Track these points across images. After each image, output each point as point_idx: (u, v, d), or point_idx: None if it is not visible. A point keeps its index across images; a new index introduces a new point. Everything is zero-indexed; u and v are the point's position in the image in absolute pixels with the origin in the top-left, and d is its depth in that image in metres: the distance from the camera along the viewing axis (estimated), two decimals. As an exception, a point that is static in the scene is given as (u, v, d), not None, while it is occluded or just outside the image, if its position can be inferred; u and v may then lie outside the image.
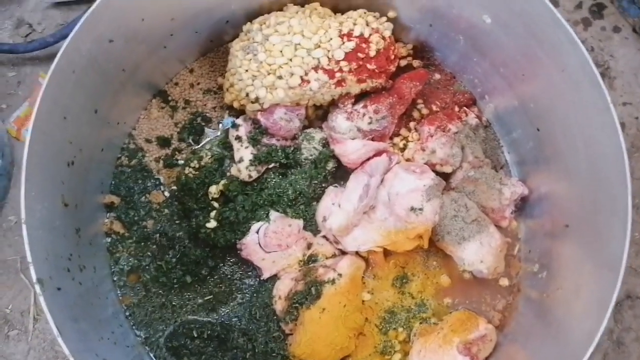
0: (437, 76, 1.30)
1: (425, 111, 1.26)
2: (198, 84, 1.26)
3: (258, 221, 1.14)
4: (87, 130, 1.03)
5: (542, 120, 1.10)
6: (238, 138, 1.16)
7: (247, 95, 1.14)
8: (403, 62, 1.27)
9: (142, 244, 1.17)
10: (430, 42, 1.27)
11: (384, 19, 1.18)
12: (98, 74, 1.01)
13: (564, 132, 1.04)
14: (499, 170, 1.25)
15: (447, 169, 1.20)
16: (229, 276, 1.18)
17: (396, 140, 1.24)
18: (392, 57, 1.18)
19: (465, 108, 1.27)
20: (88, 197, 1.09)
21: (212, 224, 1.13)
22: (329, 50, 1.12)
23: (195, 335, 1.11)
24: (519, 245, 1.21)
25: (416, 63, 1.29)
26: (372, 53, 1.13)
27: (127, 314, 1.15)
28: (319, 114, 1.24)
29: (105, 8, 0.94)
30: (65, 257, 0.96)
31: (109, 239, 1.17)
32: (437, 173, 1.18)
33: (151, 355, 1.13)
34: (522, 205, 1.22)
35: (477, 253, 1.14)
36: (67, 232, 0.99)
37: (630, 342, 1.28)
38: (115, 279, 1.16)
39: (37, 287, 0.84)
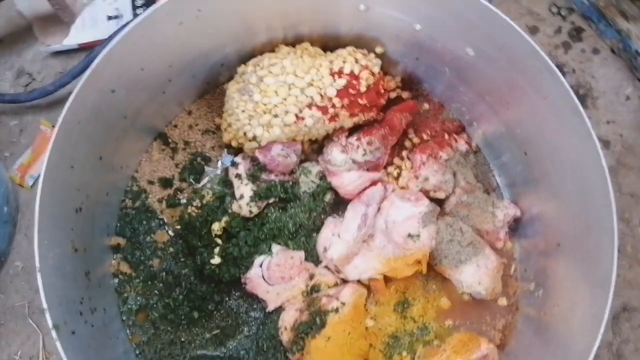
0: (426, 106, 1.35)
1: (416, 140, 1.31)
2: (197, 125, 1.31)
3: (261, 255, 1.17)
4: (92, 176, 1.07)
5: (529, 144, 1.15)
6: (238, 176, 1.20)
7: (245, 134, 1.19)
8: (393, 94, 1.32)
9: (149, 282, 1.20)
10: (417, 74, 1.32)
11: (373, 55, 1.23)
12: (101, 123, 1.05)
13: (551, 156, 1.08)
14: (490, 194, 1.29)
15: (441, 195, 1.24)
16: (235, 310, 1.21)
17: (390, 169, 1.28)
18: (382, 91, 1.23)
19: (454, 135, 1.32)
20: (95, 241, 1.13)
21: (216, 260, 1.17)
22: (321, 88, 1.17)
23: (206, 371, 1.14)
24: (514, 265, 1.25)
25: (405, 94, 1.34)
26: (363, 89, 1.18)
27: (137, 352, 1.17)
28: (315, 148, 1.28)
29: (108, 60, 0.99)
30: (77, 301, 0.99)
31: (116, 280, 1.20)
32: (431, 199, 1.22)
33: (163, 393, 1.16)
34: (515, 226, 1.26)
35: (475, 275, 1.18)
36: (78, 277, 1.02)
37: (630, 354, 1.31)
38: (124, 318, 1.18)
39: (54, 333, 0.87)
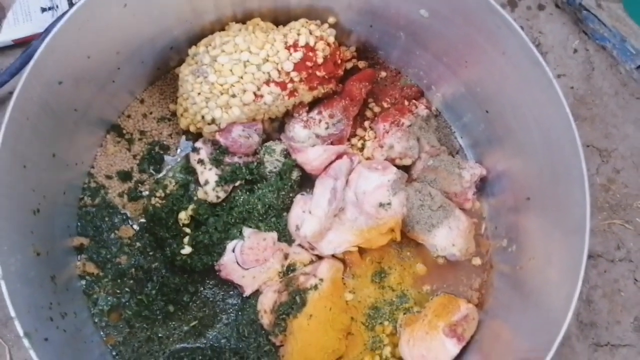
0: (383, 74, 1.33)
1: (377, 109, 1.29)
2: (151, 113, 1.26)
3: (232, 240, 1.14)
4: (47, 175, 1.01)
5: (490, 102, 1.16)
6: (200, 161, 1.16)
7: (203, 117, 1.15)
8: (349, 65, 1.30)
9: (119, 281, 1.16)
10: (372, 42, 1.30)
11: (326, 25, 1.21)
12: (51, 118, 0.99)
13: (513, 112, 1.09)
14: (455, 156, 1.29)
15: (407, 162, 1.24)
16: (211, 299, 1.18)
17: (354, 141, 1.27)
18: (339, 61, 1.21)
19: (414, 101, 1.31)
20: (57, 243, 1.07)
21: (186, 250, 1.13)
22: (277, 63, 1.13)
23: (187, 364, 1.11)
24: (484, 224, 1.26)
25: (362, 64, 1.32)
26: (320, 60, 1.16)
27: (114, 353, 1.13)
28: (276, 126, 1.25)
29: (51, 51, 0.93)
30: (45, 306, 0.94)
31: (84, 282, 1.15)
32: (398, 167, 1.22)
33: (145, 390, 1.12)
34: (482, 186, 1.27)
35: (448, 237, 1.19)
36: (43, 281, 0.97)
37: (599, 299, 1.35)
38: (96, 320, 1.14)
39: (26, 341, 0.83)
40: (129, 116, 1.25)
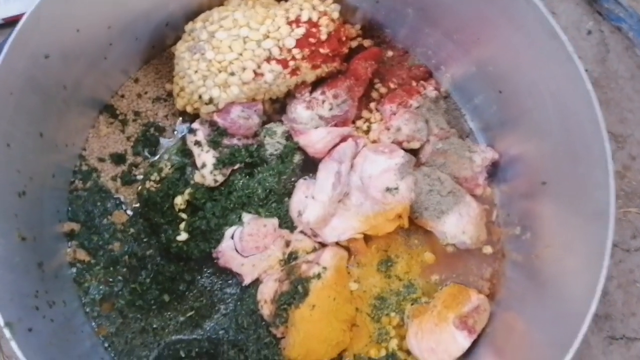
0: (390, 53, 1.27)
1: (383, 90, 1.23)
2: (145, 93, 1.20)
3: (231, 226, 1.09)
4: (34, 156, 0.95)
5: (504, 81, 1.09)
6: (197, 143, 1.10)
7: (200, 97, 1.09)
8: (354, 44, 1.24)
9: (111, 268, 1.10)
10: (378, 20, 1.24)
11: (330, 0, 1.14)
12: (38, 94, 0.93)
13: (529, 90, 1.03)
14: (465, 139, 1.23)
15: (415, 145, 1.17)
16: (208, 288, 1.12)
17: (359, 123, 1.21)
18: (344, 38, 1.15)
19: (422, 82, 1.25)
20: (46, 228, 1.02)
21: (183, 236, 1.08)
22: (279, 40, 1.07)
23: (183, 355, 1.06)
24: (496, 210, 1.20)
25: (367, 43, 1.25)
26: (324, 37, 1.10)
27: (106, 345, 1.08)
28: (277, 108, 1.19)
29: (36, 21, 0.87)
30: (31, 294, 0.89)
31: (74, 269, 1.10)
32: (405, 150, 1.16)
33: (139, 384, 1.07)
34: (493, 171, 1.20)
35: (458, 224, 1.13)
36: (30, 268, 0.92)
37: (614, 290, 1.29)
38: (87, 310, 1.09)
39: (7, 332, 0.77)
40: (122, 96, 1.18)
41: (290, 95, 1.16)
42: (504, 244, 1.17)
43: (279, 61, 1.08)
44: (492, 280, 1.17)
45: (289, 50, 1.08)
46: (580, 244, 0.92)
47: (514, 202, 1.17)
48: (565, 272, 0.96)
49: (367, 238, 1.15)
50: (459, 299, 1.10)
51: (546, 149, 1.03)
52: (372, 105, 1.22)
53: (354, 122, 1.20)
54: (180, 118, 1.19)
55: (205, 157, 1.09)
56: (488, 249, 1.18)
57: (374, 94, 1.23)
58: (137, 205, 1.13)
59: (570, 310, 0.90)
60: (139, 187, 1.13)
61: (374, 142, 1.18)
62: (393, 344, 1.11)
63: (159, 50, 1.21)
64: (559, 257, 0.98)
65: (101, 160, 1.15)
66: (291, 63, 1.09)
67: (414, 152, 1.18)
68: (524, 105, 1.07)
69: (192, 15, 1.13)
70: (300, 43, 1.08)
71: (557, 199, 1.01)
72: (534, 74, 1.00)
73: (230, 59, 1.06)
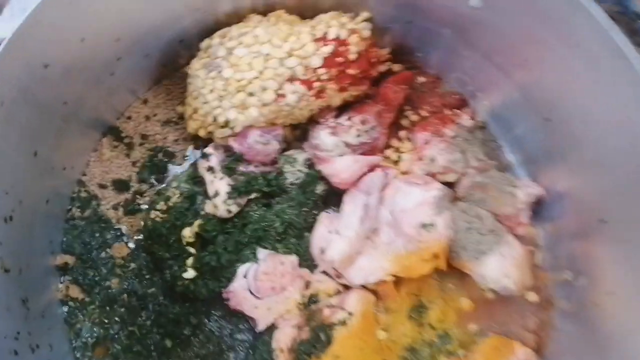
0: (422, 79, 1.17)
1: (414, 118, 1.13)
2: (155, 115, 1.10)
3: (244, 263, 0.97)
4: (26, 177, 0.85)
5: (552, 108, 0.98)
6: (210, 169, 0.99)
7: (215, 119, 0.99)
8: (382, 68, 1.14)
9: (108, 308, 0.98)
10: (409, 43, 1.15)
11: (360, 17, 1.05)
12: (34, 108, 0.83)
13: (584, 118, 0.91)
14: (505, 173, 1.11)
15: (451, 178, 1.06)
16: (216, 333, 1.00)
17: (388, 152, 1.10)
18: (374, 59, 1.05)
19: (456, 110, 1.14)
20: (35, 260, 0.90)
21: (190, 273, 0.96)
22: (303, 58, 0.98)
23: (186, 413, 0.92)
24: (541, 253, 1.07)
25: (397, 67, 1.16)
26: (352, 56, 1.00)
27: (98, 397, 0.94)
28: (298, 135, 1.10)
29: (35, 25, 0.78)
30: (10, 336, 0.76)
31: (65, 308, 0.97)
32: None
33: None
34: (537, 209, 1.08)
35: (500, 267, 1.00)
36: (12, 305, 0.80)
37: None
38: (78, 355, 0.96)
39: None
40: (129, 118, 1.09)
41: (312, 121, 1.06)
42: (552, 291, 1.04)
43: (303, 82, 0.98)
44: (539, 333, 1.03)
45: (314, 70, 0.98)
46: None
47: (562, 243, 1.04)
48: (631, 325, 0.82)
49: (396, 281, 1.02)
50: (502, 352, 0.97)
51: (605, 183, 0.91)
52: (403, 133, 1.12)
53: (382, 151, 1.09)
54: (192, 145, 1.09)
55: (219, 184, 0.98)
56: (533, 296, 1.04)
57: (404, 122, 1.13)
58: (140, 237, 1.02)
59: None
60: (143, 217, 1.02)
61: (404, 173, 1.07)
62: (426, 403, 0.97)
63: (171, 70, 1.12)
64: (624, 307, 0.84)
65: (102, 186, 1.04)
66: (316, 84, 0.99)
67: (450, 187, 1.06)
68: (577, 136, 0.95)
69: (207, 34, 1.05)
70: (327, 62, 0.99)
71: (621, 239, 0.88)
72: (591, 100, 0.89)
73: (249, 78, 0.97)
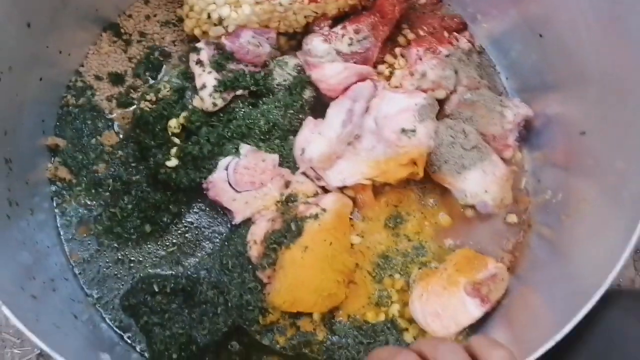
0: (422, 0, 1.16)
1: (411, 36, 1.12)
2: (155, 15, 1.12)
3: (226, 156, 0.98)
4: (16, 44, 0.86)
5: (547, 22, 0.98)
6: (199, 62, 1.00)
7: (209, 16, 1.00)
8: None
9: (93, 191, 1.01)
10: (412, -39, 1.14)
11: None
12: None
13: (574, 30, 0.91)
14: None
15: (440, 94, 1.05)
16: (195, 224, 1.02)
17: (381, 67, 1.10)
18: (371, -33, 1.05)
19: (455, 34, 1.14)
20: (24, 131, 0.93)
21: (172, 162, 0.97)
22: (299, -42, 0.98)
23: (157, 290, 0.94)
24: (526, 178, 1.07)
25: (398, -14, 1.15)
26: (348, -40, 1.00)
27: (77, 271, 0.98)
28: (293, 44, 1.10)
29: None
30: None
31: (53, 187, 1.01)
32: (430, 99, 1.04)
33: (105, 317, 0.96)
34: (526, 135, 1.07)
35: (480, 183, 1.00)
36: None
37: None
38: (62, 232, 0.99)
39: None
40: (130, 16, 1.11)
41: (308, 32, 1.07)
42: (532, 214, 1.04)
43: (297, -18, 0.98)
44: (514, 253, 1.03)
45: (309, -29, 0.98)
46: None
47: (547, 169, 1.04)
48: (592, 231, 0.82)
49: (376, 191, 1.03)
50: (474, 264, 0.97)
51: (589, 95, 0.90)
52: (398, 50, 1.11)
53: (375, 66, 1.09)
54: (189, 44, 1.10)
55: (207, 78, 0.99)
56: (513, 218, 1.04)
57: (401, 40, 1.12)
58: (129, 126, 1.04)
59: (582, 287, 0.76)
60: (134, 109, 1.04)
61: (395, 88, 1.07)
62: (394, 309, 0.98)
63: (175, -27, 1.13)
64: (592, 210, 0.84)
65: (98, 78, 1.07)
66: (310, -14, 0.99)
67: (439, 104, 1.06)
68: (566, 50, 0.94)
69: None
70: (322, -36, 0.99)
71: (597, 148, 0.87)
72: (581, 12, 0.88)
73: (244, -26, 0.97)
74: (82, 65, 1.07)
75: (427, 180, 1.03)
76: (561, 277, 0.89)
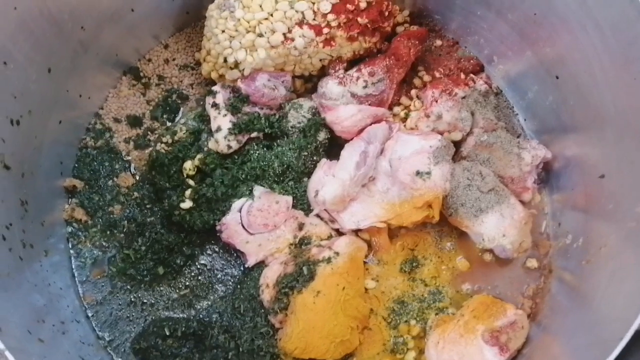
0: (439, 42, 1.17)
1: (427, 78, 1.12)
2: (173, 59, 1.14)
3: (240, 199, 0.98)
4: (37, 89, 0.89)
5: (562, 64, 0.97)
6: (215, 105, 1.02)
7: (226, 60, 1.02)
8: (400, 29, 1.15)
9: (108, 232, 1.02)
10: (428, 5, 1.15)
11: (374, -34, 1.06)
12: (49, 24, 0.88)
13: (589, 72, 0.90)
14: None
15: (456, 136, 1.05)
16: (208, 267, 1.01)
17: (397, 109, 1.10)
18: (386, 12, 1.05)
19: (472, 75, 1.13)
20: (42, 174, 0.95)
21: (187, 204, 0.98)
22: (313, 3, 0.99)
23: (168, 334, 0.94)
24: (546, 221, 1.04)
25: (414, 29, 1.16)
26: (363, 4, 1.01)
27: (90, 313, 0.98)
28: (309, 87, 1.11)
29: None
30: (1, 224, 0.80)
31: (69, 228, 1.02)
32: (446, 142, 1.03)
33: (116, 360, 0.95)
34: (545, 177, 1.06)
35: (498, 226, 0.98)
36: (7, 199, 0.84)
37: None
38: (76, 273, 0.99)
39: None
40: (149, 60, 1.13)
41: (324, 75, 1.08)
42: (553, 258, 1.01)
43: (311, 26, 0.99)
44: (535, 299, 1.00)
45: (324, 16, 1.00)
46: (637, 252, 0.76)
47: (567, 213, 1.01)
48: (608, 299, 0.80)
49: (392, 234, 1.02)
50: (492, 310, 0.94)
51: (607, 137, 0.88)
52: (413, 92, 1.11)
53: (390, 108, 1.09)
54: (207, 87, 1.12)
55: (222, 120, 1.00)
56: (533, 263, 1.01)
57: (417, 81, 1.13)
58: (145, 168, 1.05)
59: (605, 336, 0.73)
60: (151, 151, 1.05)
61: (411, 130, 1.07)
62: (410, 356, 0.96)
63: (194, 19, 1.16)
64: (612, 256, 0.81)
65: (117, 120, 1.09)
66: (325, 30, 1.00)
67: (456, 146, 1.05)
68: (583, 91, 0.94)
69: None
70: (336, 8, 1.00)
71: (615, 192, 0.85)
72: (597, 55, 0.87)
73: (259, 18, 0.99)
74: (102, 108, 1.09)
75: (443, 223, 1.02)
76: (583, 325, 0.86)
